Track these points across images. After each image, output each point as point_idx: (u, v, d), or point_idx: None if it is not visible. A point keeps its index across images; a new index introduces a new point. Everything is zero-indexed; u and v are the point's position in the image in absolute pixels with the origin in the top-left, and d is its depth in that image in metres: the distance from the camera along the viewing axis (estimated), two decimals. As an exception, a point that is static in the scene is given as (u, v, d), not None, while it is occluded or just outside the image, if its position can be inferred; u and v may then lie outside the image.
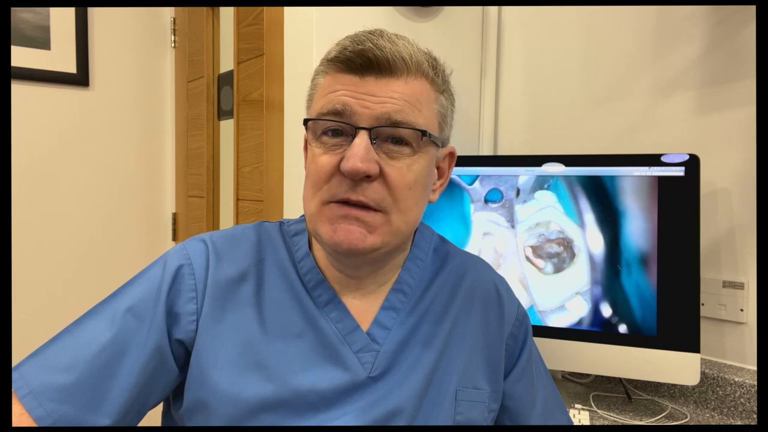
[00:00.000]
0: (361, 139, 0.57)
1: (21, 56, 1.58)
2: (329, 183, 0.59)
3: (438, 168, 0.68)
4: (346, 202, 0.59)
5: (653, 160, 0.98)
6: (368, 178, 0.58)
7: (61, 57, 1.64)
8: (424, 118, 0.61)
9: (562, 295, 1.02)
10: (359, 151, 0.56)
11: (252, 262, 0.65)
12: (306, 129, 0.63)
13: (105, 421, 0.56)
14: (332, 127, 0.59)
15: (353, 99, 0.58)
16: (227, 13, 1.55)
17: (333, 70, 0.61)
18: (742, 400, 0.99)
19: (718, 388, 1.02)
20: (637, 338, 0.97)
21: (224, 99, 1.59)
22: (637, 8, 1.17)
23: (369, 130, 0.58)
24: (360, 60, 0.58)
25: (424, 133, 0.60)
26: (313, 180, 0.60)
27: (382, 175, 0.58)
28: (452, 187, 1.11)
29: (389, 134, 0.59)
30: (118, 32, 1.76)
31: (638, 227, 0.98)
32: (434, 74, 0.62)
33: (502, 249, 1.07)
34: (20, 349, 0.70)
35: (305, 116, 0.67)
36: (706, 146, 1.06)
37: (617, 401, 1.06)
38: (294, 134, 1.19)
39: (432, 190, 0.67)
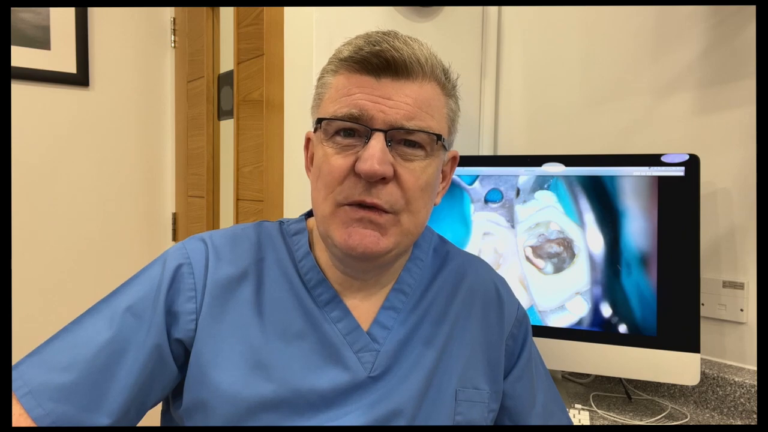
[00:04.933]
0: (377, 141, 0.57)
1: (21, 56, 1.58)
2: (343, 184, 0.58)
3: (441, 171, 0.68)
4: (359, 205, 0.58)
5: (653, 160, 0.98)
6: (383, 180, 0.58)
7: (61, 57, 1.64)
8: (437, 122, 0.61)
9: (562, 295, 1.02)
10: (376, 153, 0.56)
11: (252, 262, 0.65)
12: (315, 128, 0.63)
13: (105, 421, 0.56)
14: (346, 127, 0.59)
15: (370, 103, 0.58)
16: (227, 13, 1.55)
17: (346, 70, 0.60)
18: (742, 400, 0.99)
19: (718, 388, 1.01)
20: (637, 338, 0.97)
21: (224, 99, 1.59)
22: (637, 8, 1.17)
23: (384, 132, 0.57)
24: (377, 61, 0.58)
25: (439, 137, 0.60)
26: (326, 181, 0.59)
27: (396, 177, 0.59)
28: (452, 187, 1.10)
29: (404, 137, 0.59)
30: (118, 32, 1.76)
31: (638, 227, 0.98)
32: (445, 79, 0.63)
33: (502, 249, 1.07)
34: (20, 348, 0.70)
35: (308, 116, 0.66)
36: (706, 146, 1.06)
37: (617, 401, 1.06)
38: (294, 134, 1.19)
39: (436, 193, 0.67)
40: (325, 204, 0.60)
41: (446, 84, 0.63)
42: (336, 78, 0.61)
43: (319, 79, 0.64)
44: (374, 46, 0.58)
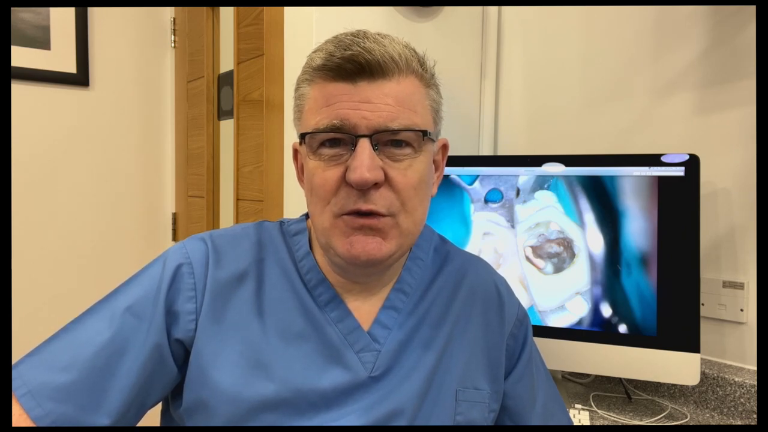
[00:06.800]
0: (364, 148, 0.56)
1: (21, 56, 1.58)
2: (337, 195, 0.58)
3: (434, 161, 0.67)
4: (357, 213, 0.58)
5: (653, 160, 0.98)
6: (375, 185, 0.57)
7: (61, 57, 1.64)
8: (420, 117, 0.61)
9: (562, 295, 1.02)
10: (364, 161, 0.56)
11: (252, 262, 0.65)
12: (300, 142, 0.62)
13: (104, 421, 0.56)
14: (330, 138, 0.58)
15: (351, 110, 0.57)
16: (227, 13, 1.55)
17: (321, 79, 0.59)
18: (742, 400, 0.99)
19: (718, 388, 1.01)
20: (637, 338, 0.97)
21: (224, 99, 1.59)
22: (637, 8, 1.17)
23: (369, 137, 0.57)
24: (350, 66, 0.57)
25: (425, 133, 0.60)
26: (320, 194, 0.59)
27: (387, 179, 0.58)
28: (452, 187, 1.11)
29: (390, 138, 0.58)
30: (118, 32, 1.76)
31: (638, 227, 0.98)
32: (422, 70, 0.62)
33: (502, 249, 1.07)
34: (20, 349, 0.70)
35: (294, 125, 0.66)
36: (706, 146, 1.06)
37: (617, 401, 1.06)
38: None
39: (431, 186, 0.67)
40: (323, 217, 0.60)
41: (424, 75, 0.62)
42: (312, 88, 0.60)
43: (296, 89, 0.63)
44: (345, 50, 0.57)
